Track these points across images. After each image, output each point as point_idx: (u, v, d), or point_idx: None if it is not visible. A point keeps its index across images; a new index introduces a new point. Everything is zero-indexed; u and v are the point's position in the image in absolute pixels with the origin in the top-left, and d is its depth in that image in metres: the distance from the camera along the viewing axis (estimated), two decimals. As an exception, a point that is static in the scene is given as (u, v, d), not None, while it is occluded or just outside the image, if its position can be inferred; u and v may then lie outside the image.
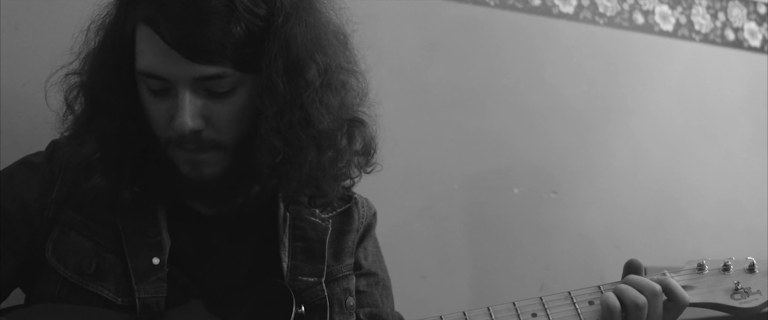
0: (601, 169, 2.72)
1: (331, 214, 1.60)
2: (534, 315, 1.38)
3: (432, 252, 2.40)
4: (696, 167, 2.91)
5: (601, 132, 2.75)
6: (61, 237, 1.43)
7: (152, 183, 1.45)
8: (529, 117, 2.61)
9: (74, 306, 1.40)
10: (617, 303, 1.34)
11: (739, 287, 1.40)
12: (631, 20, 2.86)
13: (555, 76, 2.68)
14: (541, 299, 1.40)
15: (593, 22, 2.77)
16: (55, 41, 1.48)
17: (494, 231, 2.51)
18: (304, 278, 1.50)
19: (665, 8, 2.95)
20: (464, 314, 1.38)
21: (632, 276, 1.39)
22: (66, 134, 1.47)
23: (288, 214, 1.54)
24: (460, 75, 2.50)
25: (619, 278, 1.44)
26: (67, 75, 1.47)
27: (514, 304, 1.39)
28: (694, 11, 3.02)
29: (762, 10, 3.18)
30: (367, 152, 1.53)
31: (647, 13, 2.91)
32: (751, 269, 1.42)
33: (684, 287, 1.40)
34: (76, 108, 1.46)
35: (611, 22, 2.82)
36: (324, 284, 1.52)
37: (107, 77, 1.39)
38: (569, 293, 1.40)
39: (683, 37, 2.98)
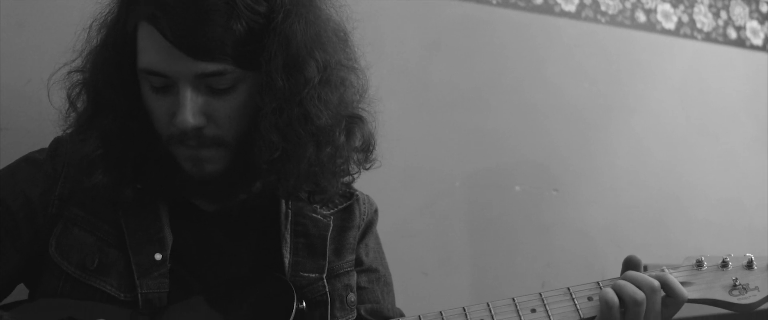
0: (602, 167, 2.73)
1: (332, 211, 1.61)
2: (533, 310, 1.38)
3: (434, 249, 2.41)
4: (697, 165, 2.92)
5: (602, 130, 2.75)
6: (65, 233, 1.44)
7: (154, 180, 1.45)
8: (531, 115, 2.62)
9: (77, 301, 1.41)
10: (616, 298, 1.34)
11: (737, 283, 1.41)
12: (633, 18, 2.87)
13: (557, 74, 2.68)
14: (541, 295, 1.40)
15: (595, 20, 2.78)
16: (59, 39, 1.49)
17: (496, 229, 2.52)
18: (306, 274, 1.51)
19: (667, 6, 2.95)
20: (464, 309, 1.39)
21: (631, 273, 1.39)
22: (68, 131, 1.48)
23: (290, 211, 1.54)
24: (462, 73, 2.51)
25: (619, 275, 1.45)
26: (69, 73, 1.48)
27: (513, 300, 1.39)
28: (696, 10, 3.03)
29: (764, 8, 3.18)
30: (367, 149, 1.53)
31: (649, 12, 2.91)
32: (749, 265, 1.43)
33: (682, 283, 1.40)
34: (78, 105, 1.46)
35: (613, 21, 2.82)
36: (325, 280, 1.53)
37: (109, 75, 1.40)
38: (568, 289, 1.40)
39: (685, 36, 2.99)
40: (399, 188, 2.33)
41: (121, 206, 1.44)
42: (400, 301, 1.74)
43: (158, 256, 1.43)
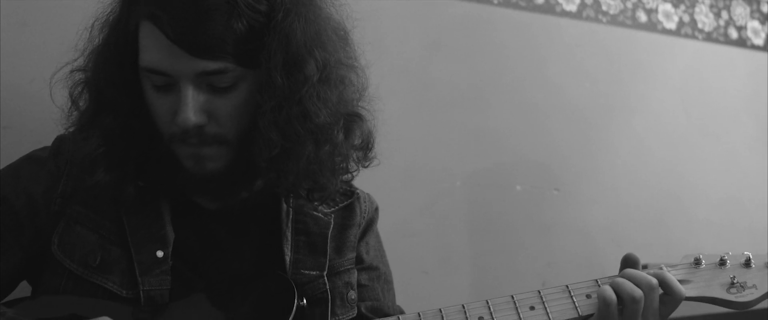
0: (603, 167, 2.73)
1: (333, 209, 1.62)
2: (532, 308, 1.39)
3: (434, 248, 2.41)
4: (698, 165, 2.92)
5: (603, 129, 2.76)
6: (67, 230, 1.45)
7: (156, 178, 1.46)
8: (532, 114, 2.62)
9: (79, 298, 1.41)
10: (614, 296, 1.35)
11: (735, 281, 1.41)
12: (634, 18, 2.87)
13: (558, 73, 2.69)
14: (539, 292, 1.40)
15: (596, 20, 2.78)
16: (61, 38, 1.50)
17: (496, 228, 2.52)
18: (307, 271, 1.52)
19: (668, 6, 2.96)
20: (463, 306, 1.40)
21: (629, 270, 1.40)
22: (71, 130, 1.49)
23: (291, 209, 1.55)
24: (463, 72, 2.51)
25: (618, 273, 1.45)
26: (71, 72, 1.49)
27: (512, 297, 1.40)
28: (697, 9, 3.03)
29: (765, 8, 3.18)
30: (366, 147, 1.54)
31: (650, 12, 2.91)
32: (747, 264, 1.43)
33: (680, 281, 1.40)
34: (80, 104, 1.47)
35: (614, 21, 2.83)
36: (326, 277, 1.53)
37: (111, 74, 1.41)
38: (567, 286, 1.41)
39: (686, 36, 2.99)
40: (400, 187, 2.33)
41: (123, 204, 1.45)
42: (401, 300, 1.75)
43: (160, 253, 1.44)
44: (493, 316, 1.38)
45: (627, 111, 2.81)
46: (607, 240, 2.67)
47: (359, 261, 1.65)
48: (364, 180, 1.65)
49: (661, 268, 1.42)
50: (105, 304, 1.40)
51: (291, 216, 1.55)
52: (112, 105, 1.41)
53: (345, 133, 1.47)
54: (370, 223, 1.70)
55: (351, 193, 1.66)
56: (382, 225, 1.76)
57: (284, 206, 1.55)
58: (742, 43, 3.12)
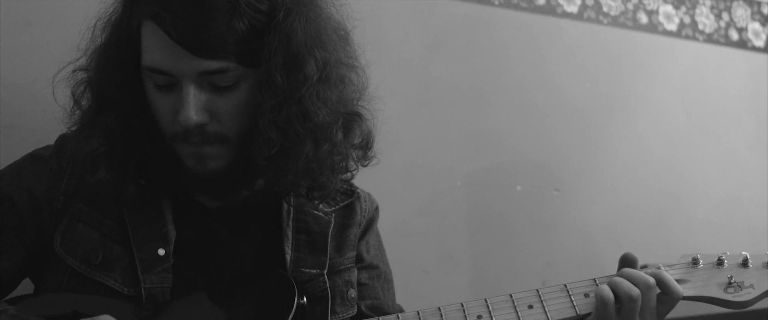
0: (603, 167, 2.74)
1: (334, 208, 1.63)
2: (530, 306, 1.40)
3: (434, 248, 2.42)
4: (698, 165, 2.92)
5: (603, 130, 2.76)
6: (69, 228, 1.46)
7: (158, 177, 1.47)
8: (532, 115, 2.63)
9: (82, 295, 1.42)
10: (611, 295, 1.35)
11: (732, 281, 1.42)
12: (635, 20, 2.87)
13: (558, 74, 2.69)
14: (538, 291, 1.41)
15: (597, 21, 2.79)
16: (64, 38, 1.51)
17: (496, 228, 2.53)
18: (307, 270, 1.53)
19: (669, 8, 2.96)
20: (462, 305, 1.41)
21: (627, 270, 1.41)
22: (73, 129, 1.50)
23: (291, 208, 1.56)
24: (464, 72, 2.52)
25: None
26: (74, 71, 1.49)
27: (510, 296, 1.41)
28: (698, 11, 3.03)
29: (766, 10, 3.19)
30: (365, 146, 1.55)
31: (651, 13, 2.92)
32: (744, 263, 1.44)
33: (678, 281, 1.41)
34: (82, 103, 1.48)
35: (615, 22, 2.83)
36: (326, 276, 1.54)
37: (113, 73, 1.42)
38: (565, 285, 1.42)
39: (687, 37, 2.99)
40: (400, 187, 2.34)
41: (124, 202, 1.46)
42: (401, 299, 1.76)
43: (161, 252, 1.44)
44: (492, 315, 1.39)
45: (627, 111, 2.81)
46: (607, 240, 2.67)
47: (359, 259, 1.65)
48: (364, 180, 1.66)
49: (658, 268, 1.43)
50: (107, 302, 1.41)
51: (292, 215, 1.56)
52: (114, 104, 1.42)
53: (344, 132, 1.47)
54: (371, 222, 1.71)
55: (351, 193, 1.67)
56: (383, 225, 1.76)
57: (285, 205, 1.56)
58: (742, 44, 3.12)
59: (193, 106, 1.35)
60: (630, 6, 2.87)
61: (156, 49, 1.35)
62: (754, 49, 3.15)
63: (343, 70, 1.47)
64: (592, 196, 2.70)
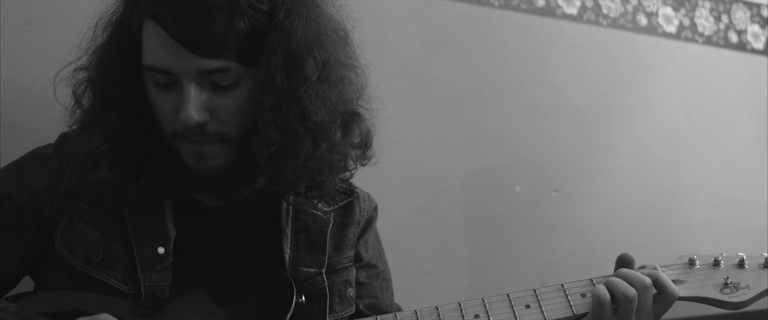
0: (602, 168, 2.74)
1: (333, 207, 1.63)
2: (527, 306, 1.40)
3: (434, 248, 2.42)
4: (697, 166, 2.92)
5: (603, 130, 2.76)
6: (70, 226, 1.47)
7: (158, 176, 1.48)
8: (532, 115, 2.63)
9: (82, 293, 1.43)
10: (607, 295, 1.36)
11: (728, 282, 1.42)
12: (634, 22, 2.88)
13: (558, 74, 2.69)
14: (535, 291, 1.42)
15: (597, 23, 2.79)
16: (65, 38, 1.51)
17: (496, 228, 2.53)
18: (306, 269, 1.53)
19: (669, 10, 2.96)
20: (459, 304, 1.41)
21: (623, 270, 1.42)
22: (74, 128, 1.51)
23: (291, 207, 1.57)
24: (463, 73, 2.52)
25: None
26: (75, 70, 1.50)
27: (508, 295, 1.42)
28: (697, 13, 3.03)
29: (765, 13, 3.19)
30: (364, 145, 1.56)
31: (651, 15, 2.92)
32: (741, 264, 1.45)
33: (674, 281, 1.42)
34: (83, 102, 1.49)
35: (615, 24, 2.83)
36: (324, 275, 1.55)
37: (114, 73, 1.43)
38: (562, 285, 1.42)
39: (686, 39, 2.99)
40: (400, 187, 2.34)
41: (125, 201, 1.47)
42: (401, 299, 1.76)
43: (161, 250, 1.45)
44: (489, 314, 1.40)
45: (627, 112, 2.82)
46: (607, 240, 2.67)
47: (358, 259, 1.66)
48: (364, 180, 1.66)
49: (655, 268, 1.44)
50: (107, 300, 1.42)
51: (291, 215, 1.57)
52: (115, 103, 1.43)
53: (343, 132, 1.48)
54: (369, 222, 1.71)
55: (350, 192, 1.68)
56: (382, 225, 1.77)
57: (284, 204, 1.57)
58: (742, 46, 3.12)
59: (194, 104, 1.36)
60: (629, 8, 2.87)
61: (157, 48, 1.36)
62: (754, 51, 3.15)
63: (342, 69, 1.47)
64: (591, 197, 2.70)
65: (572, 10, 2.74)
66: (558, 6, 2.71)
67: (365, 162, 1.58)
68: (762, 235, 2.85)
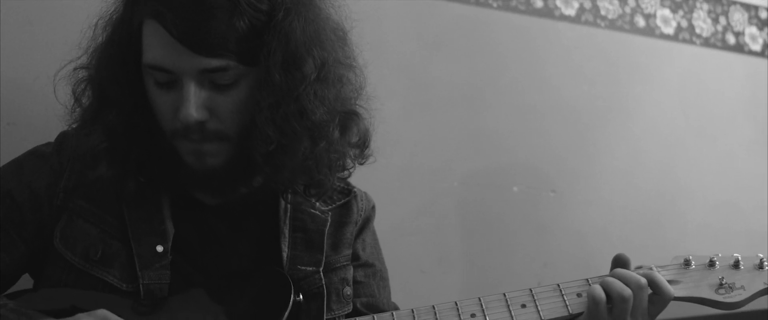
0: (600, 169, 2.74)
1: (330, 206, 1.64)
2: (523, 305, 1.41)
3: (432, 248, 2.42)
4: (694, 168, 2.92)
5: (600, 132, 2.76)
6: (69, 224, 1.47)
7: (157, 174, 1.48)
8: (530, 116, 2.63)
9: (80, 291, 1.44)
10: (603, 295, 1.37)
11: (723, 282, 1.43)
12: (632, 23, 2.88)
13: (556, 75, 2.69)
14: (531, 291, 1.43)
15: (595, 24, 2.79)
16: (65, 37, 1.51)
17: (493, 229, 2.53)
18: (303, 267, 1.54)
19: (667, 12, 2.96)
20: (456, 304, 1.42)
21: (619, 270, 1.42)
22: (74, 126, 1.51)
23: (289, 206, 1.58)
24: (462, 73, 2.52)
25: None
26: (75, 69, 1.50)
27: (504, 295, 1.42)
28: (695, 15, 3.03)
29: (763, 14, 3.19)
30: (362, 144, 1.56)
31: (648, 17, 2.92)
32: (736, 265, 1.46)
33: (670, 281, 1.43)
34: (83, 101, 1.49)
35: (613, 25, 2.83)
36: (322, 273, 1.56)
37: (114, 71, 1.43)
38: (558, 285, 1.43)
39: (684, 41, 2.99)
40: (398, 187, 2.35)
41: (124, 199, 1.47)
42: (398, 298, 1.77)
43: (160, 248, 1.46)
44: (486, 313, 1.41)
45: (624, 113, 2.82)
46: (603, 241, 2.67)
47: (355, 258, 1.67)
48: (362, 179, 1.67)
49: (650, 268, 1.45)
50: (105, 297, 1.42)
51: (289, 213, 1.57)
52: (115, 102, 1.43)
53: (341, 130, 1.48)
54: (367, 221, 1.72)
55: (348, 192, 1.68)
56: (380, 224, 1.77)
57: (282, 203, 1.57)
58: (739, 48, 3.12)
59: (194, 103, 1.36)
60: (627, 9, 2.87)
61: (157, 46, 1.36)
62: (751, 53, 3.15)
63: (340, 69, 1.48)
64: (588, 198, 2.70)
65: (570, 12, 2.74)
66: (556, 7, 2.71)
67: (363, 161, 1.59)
68: (759, 238, 2.85)
